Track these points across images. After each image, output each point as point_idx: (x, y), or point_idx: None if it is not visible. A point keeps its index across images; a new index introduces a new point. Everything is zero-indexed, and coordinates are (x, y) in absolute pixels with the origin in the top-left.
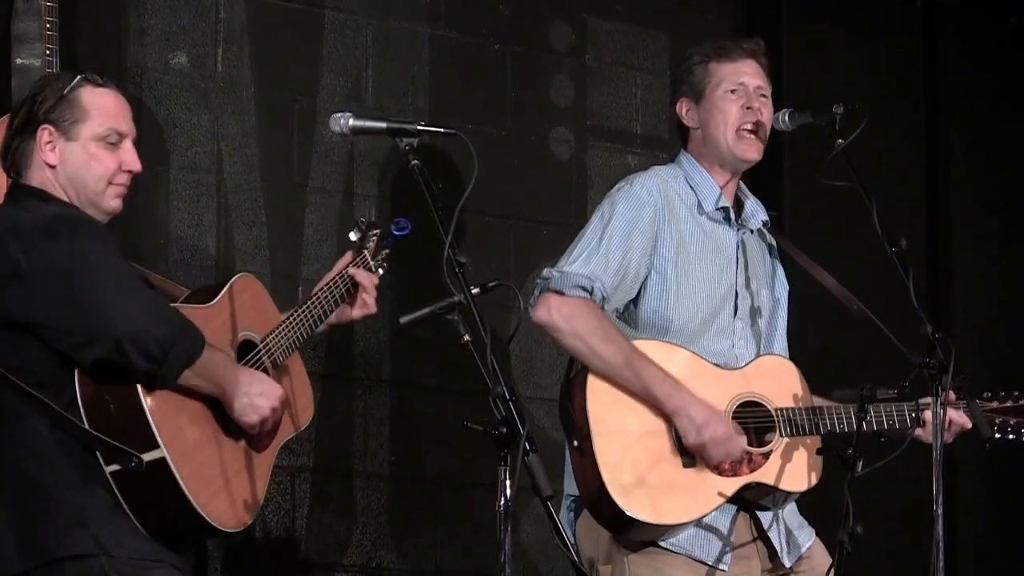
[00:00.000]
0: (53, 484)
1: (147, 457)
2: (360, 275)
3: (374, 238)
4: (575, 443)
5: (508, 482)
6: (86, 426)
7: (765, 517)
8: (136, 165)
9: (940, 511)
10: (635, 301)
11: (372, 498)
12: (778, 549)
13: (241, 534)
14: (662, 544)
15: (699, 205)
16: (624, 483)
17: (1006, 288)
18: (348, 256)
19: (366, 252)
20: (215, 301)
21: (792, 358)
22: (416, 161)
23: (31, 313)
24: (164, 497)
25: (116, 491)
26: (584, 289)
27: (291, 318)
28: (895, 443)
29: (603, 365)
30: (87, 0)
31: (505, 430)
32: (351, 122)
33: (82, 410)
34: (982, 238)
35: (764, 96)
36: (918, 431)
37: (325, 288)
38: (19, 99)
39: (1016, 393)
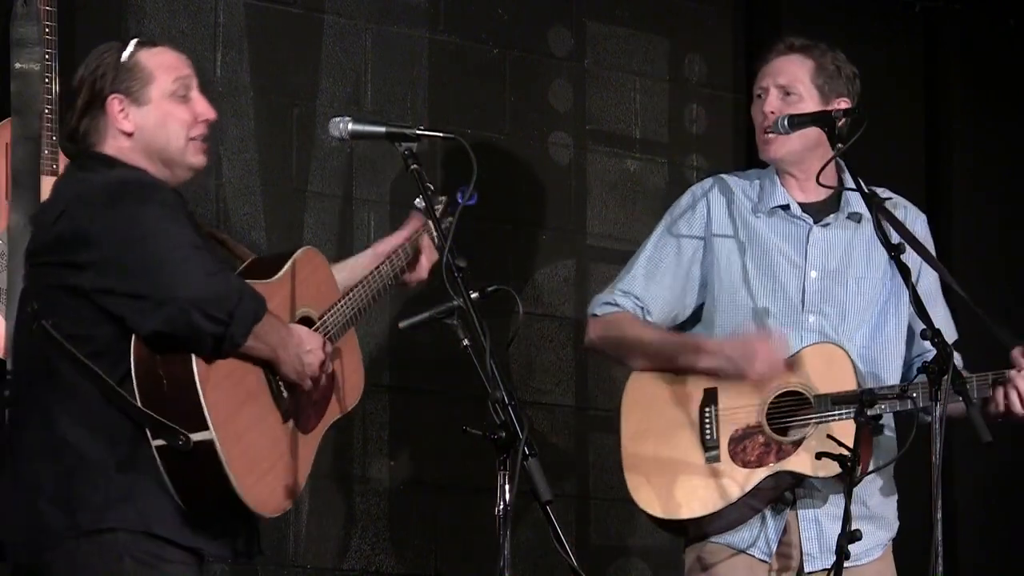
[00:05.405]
0: (100, 458)
1: (195, 437)
2: (425, 241)
3: (439, 206)
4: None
5: (507, 487)
6: (138, 402)
7: (805, 518)
8: (210, 113)
9: (939, 515)
10: (702, 304)
11: (371, 503)
12: (805, 554)
13: None
14: (715, 540)
15: (760, 203)
16: (640, 483)
17: (1007, 288)
18: (416, 222)
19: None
20: (276, 277)
21: None
22: (415, 165)
23: (97, 279)
24: (207, 478)
25: (161, 466)
26: (611, 304)
27: (351, 294)
28: (896, 445)
29: (644, 363)
30: (86, 4)
31: (504, 435)
32: (350, 126)
33: (135, 384)
34: (982, 238)
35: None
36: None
37: (387, 262)
38: (18, 102)
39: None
